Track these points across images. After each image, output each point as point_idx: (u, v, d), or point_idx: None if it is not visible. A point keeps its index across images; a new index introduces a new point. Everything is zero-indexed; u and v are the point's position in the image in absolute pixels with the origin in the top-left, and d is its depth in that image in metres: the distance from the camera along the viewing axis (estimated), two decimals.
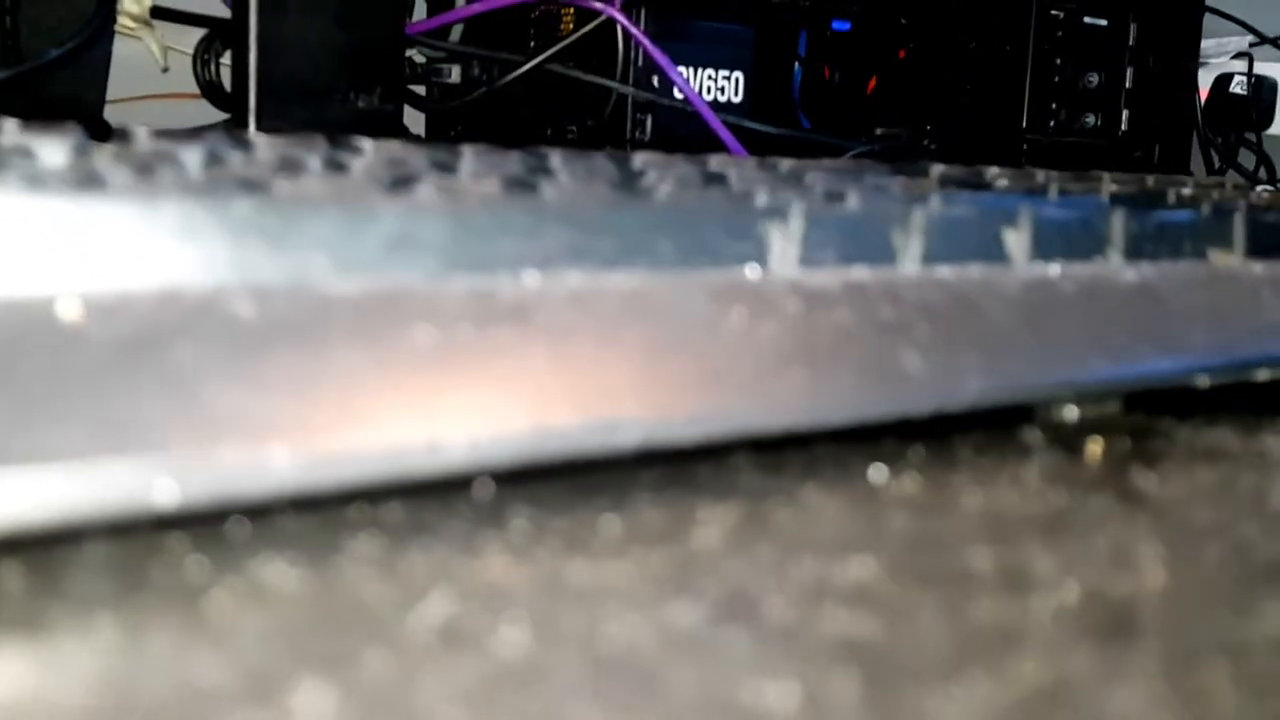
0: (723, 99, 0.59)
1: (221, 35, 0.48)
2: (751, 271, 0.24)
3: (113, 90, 0.46)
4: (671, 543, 0.16)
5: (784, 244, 0.25)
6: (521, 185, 0.25)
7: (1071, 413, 0.25)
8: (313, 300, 0.20)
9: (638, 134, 0.57)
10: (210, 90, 0.49)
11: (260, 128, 0.43)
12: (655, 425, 0.18)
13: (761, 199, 0.26)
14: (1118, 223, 0.27)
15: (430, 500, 0.17)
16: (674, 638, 0.14)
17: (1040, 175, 0.35)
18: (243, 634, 0.13)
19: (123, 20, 0.46)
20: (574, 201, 0.24)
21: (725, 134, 0.57)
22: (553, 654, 0.13)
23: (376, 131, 0.45)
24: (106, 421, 0.15)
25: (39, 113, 0.34)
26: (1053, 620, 0.15)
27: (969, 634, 0.14)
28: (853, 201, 0.27)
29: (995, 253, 0.28)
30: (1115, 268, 0.26)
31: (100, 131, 0.24)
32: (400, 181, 0.23)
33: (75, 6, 0.42)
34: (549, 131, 0.57)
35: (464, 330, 0.20)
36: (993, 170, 0.35)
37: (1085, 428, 0.24)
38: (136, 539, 0.15)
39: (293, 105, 0.44)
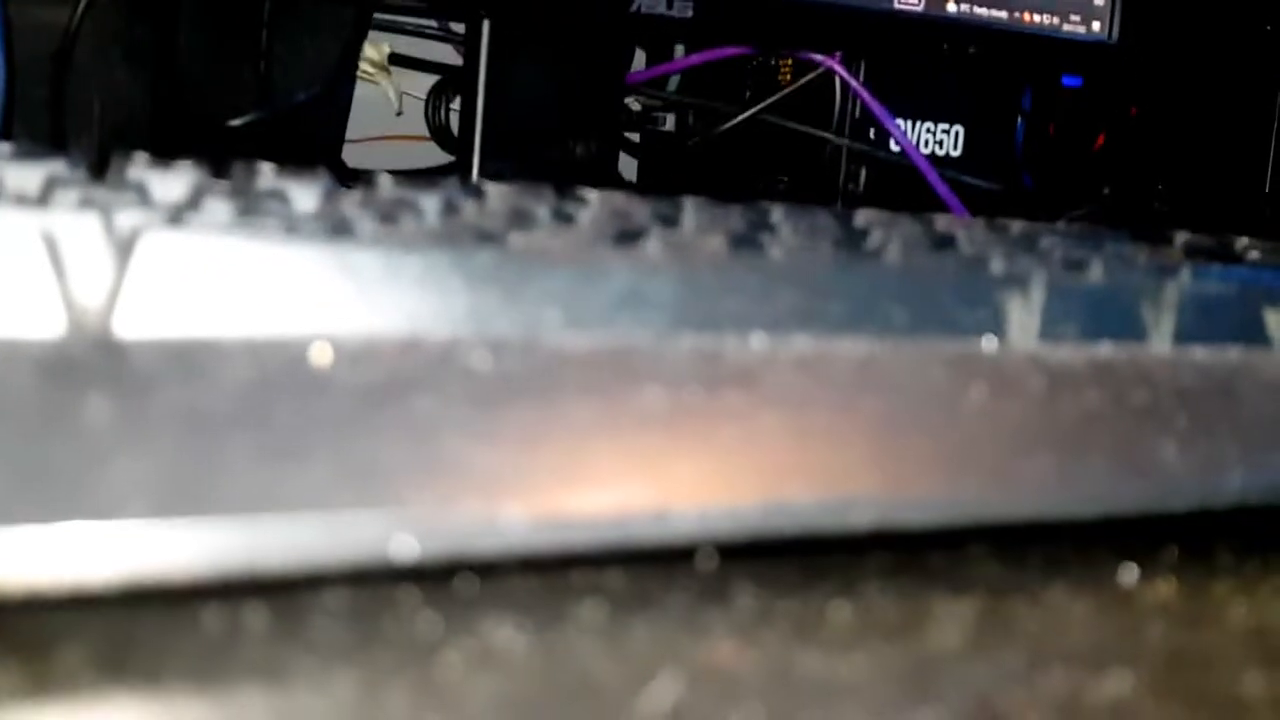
0: (940, 152, 0.57)
1: (453, 82, 0.50)
2: (989, 343, 0.23)
3: (349, 130, 0.49)
4: (908, 638, 0.15)
5: (1023, 315, 0.24)
6: (746, 243, 0.24)
7: None
8: (545, 355, 0.20)
9: (850, 185, 0.56)
10: (439, 133, 0.51)
11: (483, 170, 0.45)
12: (890, 507, 0.17)
13: (997, 265, 0.25)
14: None
15: (652, 569, 0.17)
16: None
17: None
18: (474, 701, 0.13)
19: (363, 66, 0.49)
20: (801, 262, 0.23)
21: (942, 188, 0.55)
22: None
23: (591, 176, 0.46)
24: (349, 469, 0.15)
25: (285, 152, 0.36)
26: None
27: None
28: (1096, 272, 0.26)
29: (1255, 334, 0.26)
30: None
31: (344, 176, 0.25)
32: (626, 236, 0.23)
33: (322, 54, 0.44)
34: (760, 181, 0.57)
35: (692, 392, 0.19)
36: (1243, 241, 0.33)
37: None
38: (369, 589, 0.15)
39: (514, 150, 0.45)
